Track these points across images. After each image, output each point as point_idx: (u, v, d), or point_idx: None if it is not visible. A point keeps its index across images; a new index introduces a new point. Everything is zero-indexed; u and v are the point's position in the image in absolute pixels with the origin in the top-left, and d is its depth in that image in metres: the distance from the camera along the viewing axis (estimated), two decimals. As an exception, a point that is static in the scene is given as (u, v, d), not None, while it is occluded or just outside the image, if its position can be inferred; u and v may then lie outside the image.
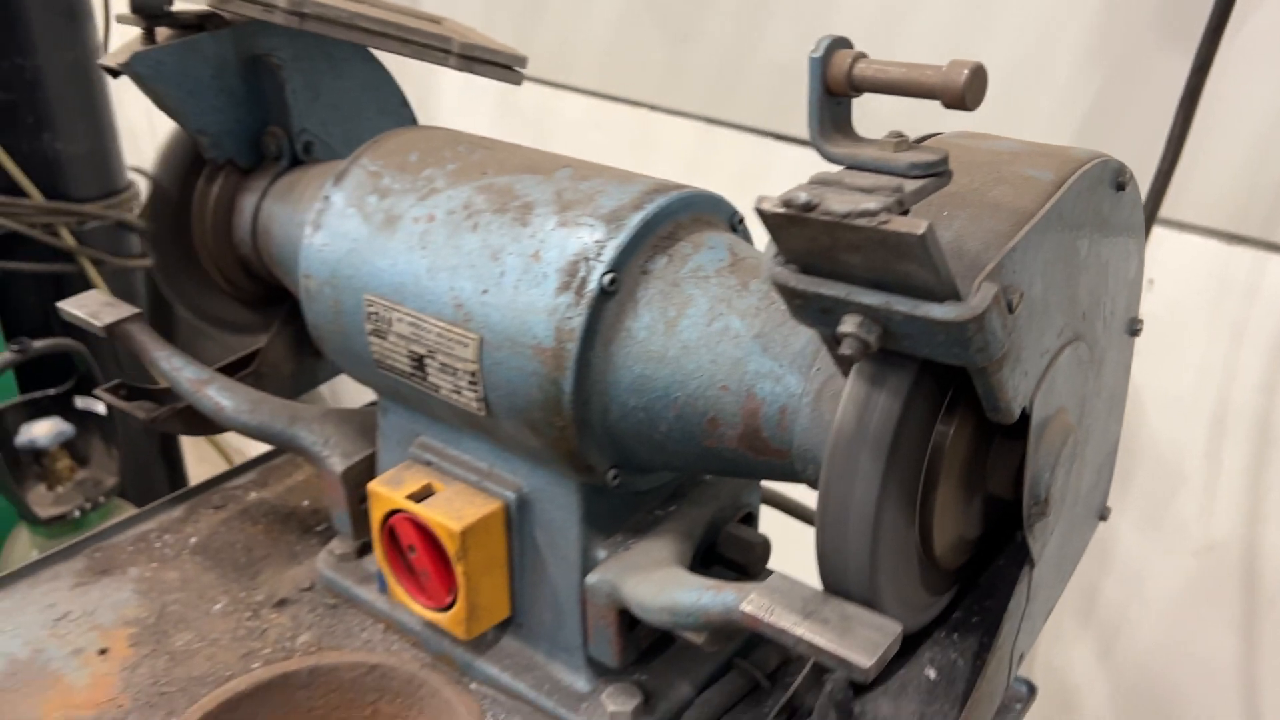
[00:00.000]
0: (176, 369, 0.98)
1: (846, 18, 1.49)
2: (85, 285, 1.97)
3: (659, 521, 0.88)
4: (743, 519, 0.93)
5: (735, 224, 0.83)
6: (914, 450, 0.62)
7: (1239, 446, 1.36)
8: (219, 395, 0.98)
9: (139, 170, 2.12)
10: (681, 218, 0.78)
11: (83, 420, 1.92)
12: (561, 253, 0.76)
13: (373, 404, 1.04)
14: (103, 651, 0.97)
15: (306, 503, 1.17)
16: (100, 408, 1.88)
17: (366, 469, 0.99)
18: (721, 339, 0.73)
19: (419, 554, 0.88)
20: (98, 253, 1.96)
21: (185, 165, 1.02)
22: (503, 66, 0.97)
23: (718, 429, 0.74)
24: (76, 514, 1.87)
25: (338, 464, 0.98)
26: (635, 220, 0.76)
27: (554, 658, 0.90)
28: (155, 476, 2.32)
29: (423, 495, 0.88)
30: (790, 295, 0.56)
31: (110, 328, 0.97)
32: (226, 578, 1.05)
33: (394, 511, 0.88)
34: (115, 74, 0.99)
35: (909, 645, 0.75)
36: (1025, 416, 0.62)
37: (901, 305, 0.52)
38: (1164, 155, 1.24)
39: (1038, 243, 0.56)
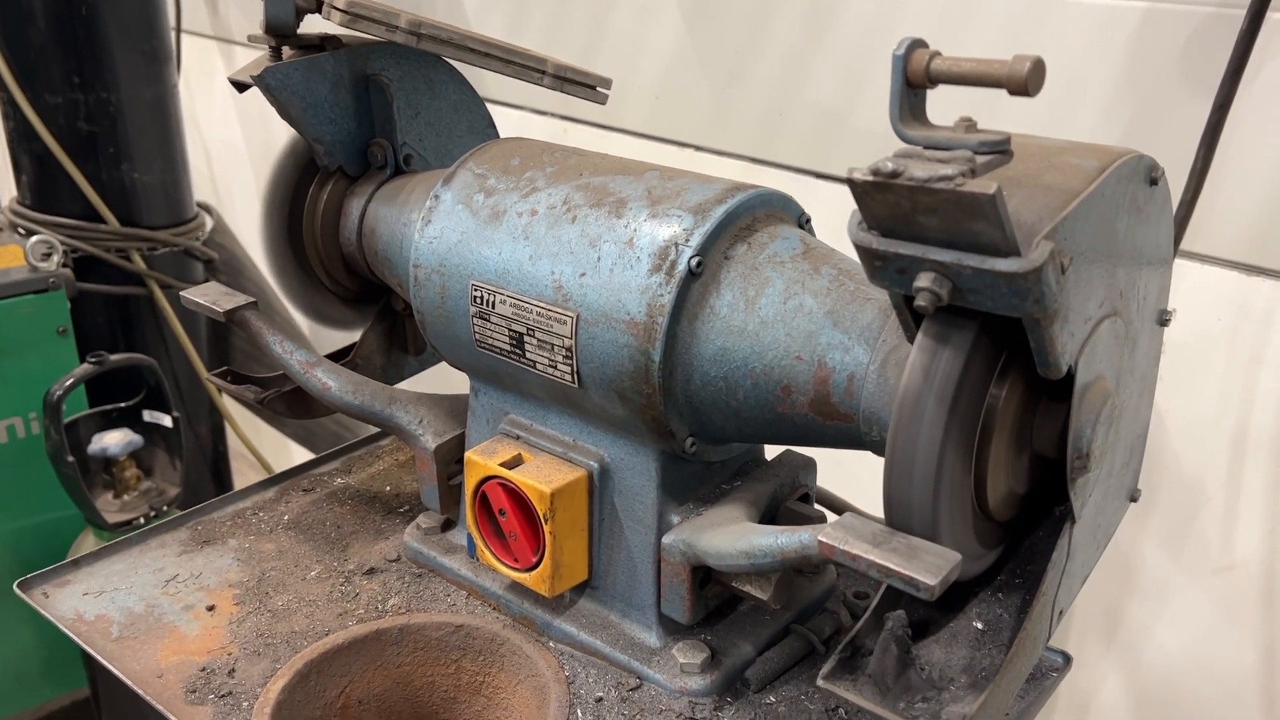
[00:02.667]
0: (288, 352, 1.08)
1: (885, 64, 1.60)
2: (153, 308, 2.09)
3: (726, 494, 0.97)
4: (800, 498, 1.01)
5: (803, 223, 0.93)
6: (973, 404, 0.71)
7: (1259, 468, 1.44)
8: (326, 376, 1.08)
9: (202, 205, 2.25)
10: (758, 212, 0.89)
11: (149, 433, 2.02)
12: (653, 240, 0.86)
13: (461, 395, 1.14)
14: (210, 608, 1.05)
15: (389, 488, 1.26)
16: (166, 420, 1.98)
17: (456, 447, 1.08)
18: (796, 315, 0.82)
19: (509, 517, 0.97)
20: (165, 277, 2.08)
21: (296, 175, 1.13)
22: (589, 86, 1.09)
23: (791, 396, 0.83)
24: (141, 520, 1.96)
25: (431, 441, 1.07)
26: (719, 212, 0.86)
27: (627, 616, 0.98)
28: (205, 494, 2.42)
29: (514, 464, 0.97)
30: (872, 256, 0.66)
31: (230, 313, 1.08)
32: (319, 549, 1.14)
33: (487, 478, 0.97)
34: (243, 88, 1.11)
35: (958, 600, 0.83)
36: (1070, 377, 0.72)
37: (971, 260, 0.62)
38: (1186, 189, 1.34)
39: (1085, 215, 0.66)
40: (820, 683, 0.77)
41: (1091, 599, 1.61)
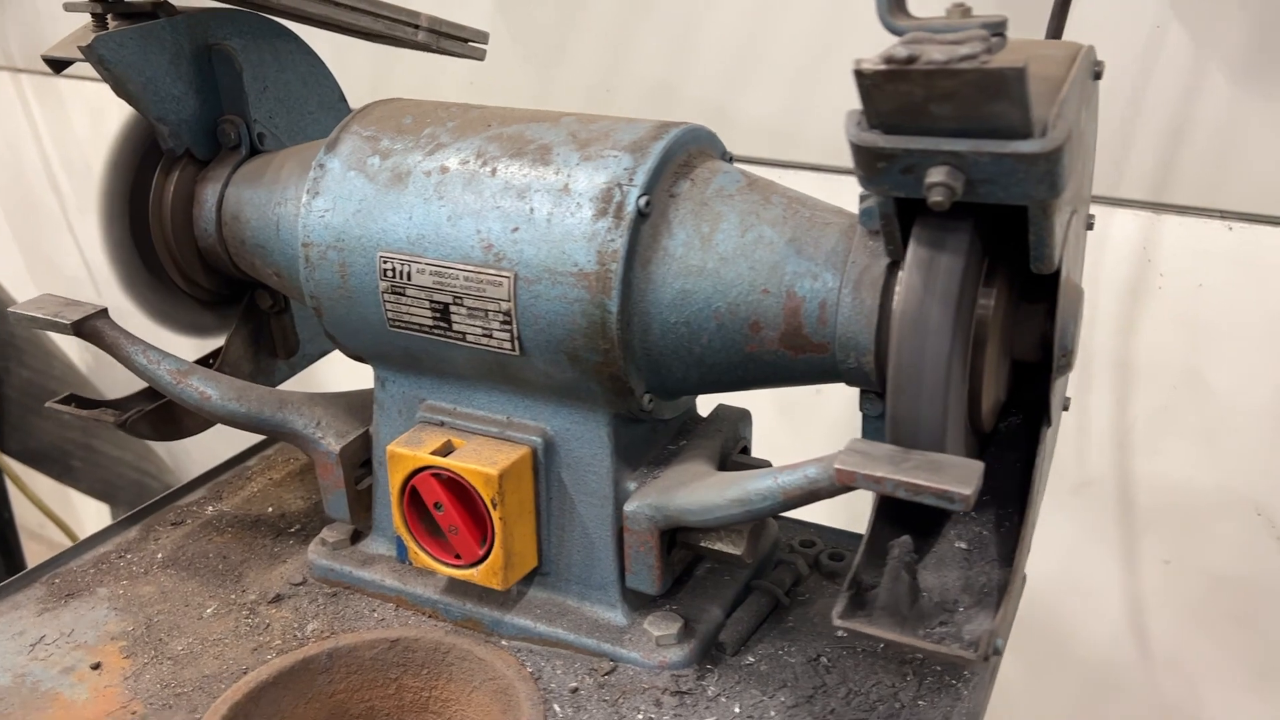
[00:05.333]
0: (155, 362, 0.95)
1: (714, 30, 1.59)
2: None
3: (676, 454, 0.92)
4: (741, 450, 0.98)
5: (729, 159, 0.89)
6: (970, 310, 0.69)
7: (1104, 385, 1.52)
8: (204, 385, 0.95)
9: None
10: (691, 148, 0.84)
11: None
12: (592, 183, 0.80)
13: (358, 391, 1.03)
14: (95, 666, 0.91)
15: (270, 508, 1.13)
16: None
17: (362, 447, 0.98)
18: (757, 247, 0.78)
19: (447, 510, 0.88)
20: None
21: (137, 161, 1.00)
22: (464, 40, 1.01)
23: (760, 332, 0.79)
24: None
25: (334, 443, 0.96)
26: (658, 149, 0.81)
27: (586, 598, 0.92)
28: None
29: (446, 451, 0.88)
30: (875, 157, 0.63)
31: (79, 325, 0.93)
32: (209, 584, 1.01)
33: (417, 471, 0.88)
34: (61, 66, 0.96)
35: (933, 525, 0.82)
36: (1054, 273, 0.71)
37: (990, 146, 0.59)
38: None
39: (1070, 101, 0.65)
40: (838, 622, 0.73)
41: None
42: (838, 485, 0.70)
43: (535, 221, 0.81)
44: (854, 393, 0.82)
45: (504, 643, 0.92)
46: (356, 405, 1.01)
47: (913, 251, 0.68)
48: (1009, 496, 0.82)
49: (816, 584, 0.99)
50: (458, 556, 0.90)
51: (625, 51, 1.69)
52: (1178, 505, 1.56)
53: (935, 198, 0.61)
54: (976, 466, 0.67)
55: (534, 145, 0.84)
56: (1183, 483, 1.55)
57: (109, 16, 0.94)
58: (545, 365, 0.84)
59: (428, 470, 0.88)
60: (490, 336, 0.84)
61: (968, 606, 0.76)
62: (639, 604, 0.91)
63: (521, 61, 1.73)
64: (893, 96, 0.60)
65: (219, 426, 1.01)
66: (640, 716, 0.84)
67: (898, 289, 0.70)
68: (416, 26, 0.97)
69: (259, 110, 1.02)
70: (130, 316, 1.01)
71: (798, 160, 1.57)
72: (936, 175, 0.61)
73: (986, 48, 0.57)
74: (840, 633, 0.93)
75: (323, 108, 1.12)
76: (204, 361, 1.08)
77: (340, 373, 1.19)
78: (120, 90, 0.93)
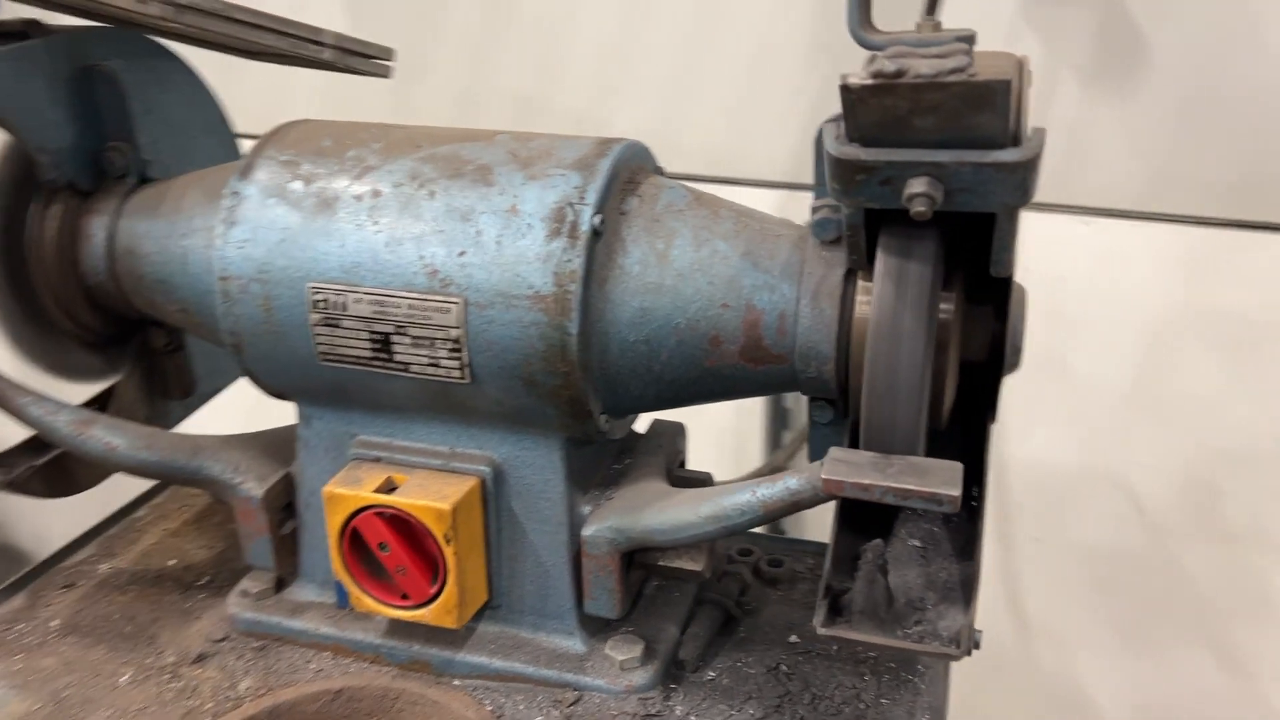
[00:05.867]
0: (51, 413, 0.87)
1: (579, 40, 1.58)
2: None
3: (623, 473, 0.90)
4: (679, 464, 0.97)
5: (662, 174, 0.88)
6: (936, 317, 0.71)
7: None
8: (109, 435, 0.88)
9: None
10: (633, 164, 0.83)
11: None
12: (541, 203, 0.78)
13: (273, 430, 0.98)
14: (4, 754, 0.82)
15: (173, 561, 1.06)
16: None
17: (284, 490, 0.93)
18: (713, 261, 0.78)
19: (393, 550, 0.84)
20: None
21: (12, 194, 0.91)
22: (369, 57, 0.97)
23: (720, 347, 0.78)
24: None
25: (255, 488, 0.90)
26: (605, 166, 0.79)
27: (541, 629, 0.89)
28: None
29: (388, 489, 0.84)
30: (854, 170, 0.63)
31: (-42, 377, 0.84)
32: (119, 650, 0.93)
33: (359, 511, 0.84)
34: None
35: (881, 527, 0.83)
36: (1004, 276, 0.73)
37: (971, 157, 0.61)
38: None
39: (1028, 107, 0.67)
40: (822, 631, 0.74)
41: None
42: (822, 495, 0.70)
43: (483, 244, 0.78)
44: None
45: (456, 682, 0.89)
46: (274, 445, 0.95)
47: (882, 261, 0.69)
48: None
49: (760, 592, 1.00)
50: (404, 597, 0.86)
51: (487, 62, 1.67)
52: (1045, 485, 1.65)
53: (918, 208, 0.62)
54: (957, 467, 0.69)
55: (472, 166, 0.81)
56: (1049, 463, 1.64)
57: (-25, 38, 0.85)
58: (497, 392, 0.81)
59: (370, 510, 0.83)
60: (437, 365, 0.81)
61: (935, 603, 0.78)
62: (596, 629, 0.89)
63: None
64: (877, 110, 0.60)
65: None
66: (615, 745, 0.82)
67: (863, 298, 0.71)
68: (321, 44, 0.92)
69: (145, 136, 0.95)
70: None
71: (677, 171, 1.59)
72: (918, 186, 0.62)
73: (971, 61, 0.58)
74: (792, 638, 0.94)
75: (209, 131, 1.05)
76: (88, 407, 0.99)
77: (232, 411, 1.12)
78: (-3, 119, 0.85)
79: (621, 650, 0.87)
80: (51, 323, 0.95)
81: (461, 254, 0.78)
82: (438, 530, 0.82)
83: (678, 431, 0.97)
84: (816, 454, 0.88)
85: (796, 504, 0.72)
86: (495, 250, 0.78)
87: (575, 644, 0.88)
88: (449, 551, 0.82)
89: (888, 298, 0.69)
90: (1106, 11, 1.43)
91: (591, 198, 0.77)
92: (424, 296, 0.79)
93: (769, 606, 0.98)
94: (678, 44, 1.56)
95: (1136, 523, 1.62)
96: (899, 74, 0.58)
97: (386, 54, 0.99)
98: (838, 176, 0.65)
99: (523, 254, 0.77)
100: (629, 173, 0.82)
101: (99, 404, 0.99)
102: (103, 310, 0.97)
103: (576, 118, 1.66)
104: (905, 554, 0.83)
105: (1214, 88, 1.38)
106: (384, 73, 0.99)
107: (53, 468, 0.92)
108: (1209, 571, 1.64)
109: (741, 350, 0.78)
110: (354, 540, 0.85)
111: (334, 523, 0.85)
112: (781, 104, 1.54)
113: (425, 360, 0.81)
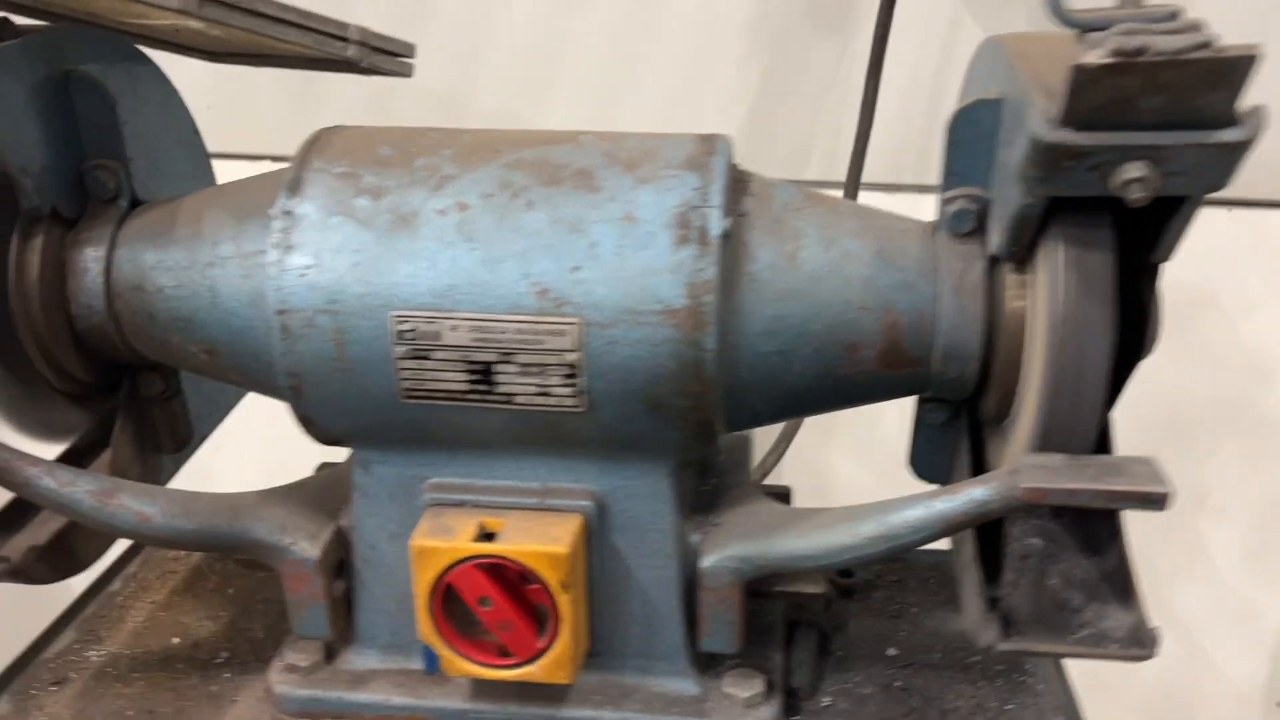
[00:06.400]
0: (67, 483, 0.73)
1: (501, 38, 1.50)
2: None
3: (716, 494, 0.84)
4: (751, 480, 0.92)
5: None
6: (1118, 307, 0.67)
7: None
8: (139, 503, 0.74)
9: None
10: (734, 161, 0.77)
11: None
12: (660, 207, 0.71)
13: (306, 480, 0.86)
14: None
15: (177, 639, 0.92)
16: None
17: (338, 547, 0.82)
18: (845, 262, 0.73)
19: (496, 604, 0.75)
20: None
21: (-15, 225, 0.76)
22: (394, 54, 0.86)
23: (857, 353, 0.73)
24: None
25: (309, 549, 0.79)
26: (719, 163, 0.73)
27: (649, 672, 0.82)
28: None
29: (485, 536, 0.75)
30: (1065, 156, 0.59)
31: (-46, 452, 0.69)
32: (149, 751, 0.80)
33: (453, 565, 0.74)
34: None
35: (991, 530, 0.79)
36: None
37: (1195, 138, 0.58)
38: (860, 122, 1.43)
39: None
40: (1002, 647, 0.70)
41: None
42: (1016, 504, 0.66)
43: (600, 257, 0.70)
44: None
45: (560, 742, 0.80)
46: (316, 497, 0.84)
47: (1064, 252, 0.65)
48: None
49: (839, 605, 0.95)
50: (502, 654, 0.77)
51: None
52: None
53: (1135, 194, 0.59)
54: (1151, 461, 0.66)
55: (569, 170, 0.73)
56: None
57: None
58: (612, 419, 0.73)
59: (469, 562, 0.74)
60: (547, 395, 0.72)
61: (1085, 603, 0.75)
62: (704, 667, 0.83)
63: (271, 85, 1.52)
64: (1108, 90, 0.56)
65: None
66: (758, 790, 0.76)
67: (1015, 292, 0.68)
68: (345, 40, 0.81)
69: (132, 151, 0.82)
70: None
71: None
72: (1135, 171, 0.59)
73: (1209, 36, 0.55)
74: (891, 651, 0.90)
75: (181, 143, 0.92)
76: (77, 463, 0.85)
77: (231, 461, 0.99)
78: (-25, 135, 0.71)
79: (742, 687, 0.81)
80: (33, 375, 0.80)
81: (575, 269, 0.70)
82: (552, 577, 0.73)
83: (748, 443, 0.91)
84: (922, 458, 0.85)
85: (982, 516, 0.68)
86: (615, 263, 0.70)
87: (688, 685, 0.81)
88: (564, 600, 0.74)
89: (1073, 289, 0.65)
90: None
91: (715, 199, 0.71)
92: (534, 319, 0.70)
93: (852, 620, 0.94)
94: (611, 35, 1.50)
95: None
96: (1139, 51, 0.54)
97: (409, 50, 0.88)
98: (1041, 164, 0.60)
99: (648, 265, 0.69)
100: (736, 171, 0.75)
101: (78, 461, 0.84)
102: (91, 356, 0.83)
103: (504, 117, 1.57)
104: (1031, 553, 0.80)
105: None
106: (406, 71, 0.88)
107: (59, 547, 0.78)
108: (1147, 531, 1.71)
109: (880, 355, 0.73)
110: (444, 598, 0.75)
111: (424, 580, 0.75)
112: (725, 94, 1.50)
113: (533, 390, 0.72)
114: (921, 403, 0.82)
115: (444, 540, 0.74)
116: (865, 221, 0.75)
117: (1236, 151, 0.59)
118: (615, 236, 0.70)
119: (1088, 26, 0.59)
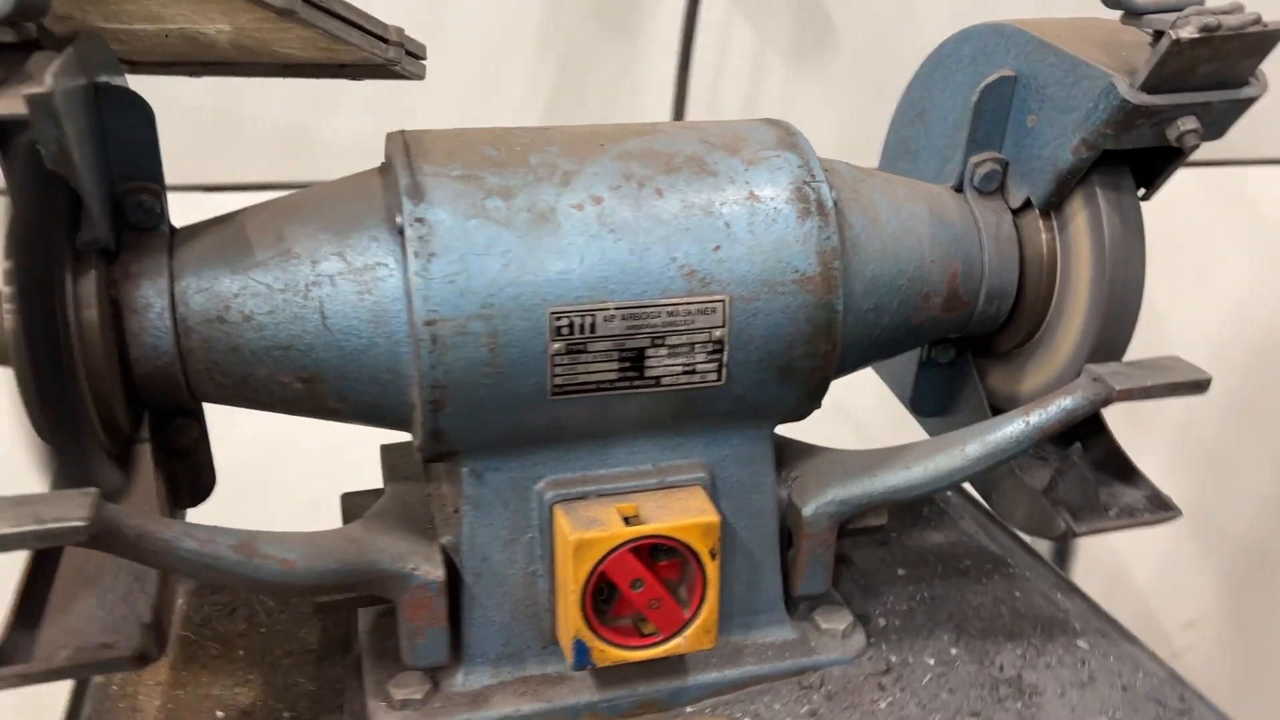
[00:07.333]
0: (207, 542, 0.65)
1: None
2: None
3: (780, 447, 0.89)
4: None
5: None
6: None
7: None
8: (280, 550, 0.68)
9: None
10: (797, 140, 0.84)
11: None
12: (776, 185, 0.76)
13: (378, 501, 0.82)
14: None
15: (221, 714, 0.83)
16: None
17: (450, 563, 0.79)
18: (913, 223, 0.82)
19: (647, 586, 0.77)
20: None
21: (41, 266, 0.65)
22: (418, 58, 0.83)
23: (929, 301, 0.83)
24: None
25: (432, 571, 0.76)
26: (804, 143, 0.80)
27: (752, 627, 0.87)
28: None
29: (634, 520, 0.77)
30: (1138, 115, 0.73)
31: (94, 524, 0.59)
32: (286, 825, 0.73)
33: (609, 553, 0.75)
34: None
35: None
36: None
37: (1228, 95, 0.74)
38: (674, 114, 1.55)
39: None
40: (1082, 532, 0.83)
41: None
42: (1099, 405, 0.79)
43: (736, 236, 0.74)
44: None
45: (690, 709, 0.84)
46: (401, 519, 0.80)
47: (1104, 197, 0.80)
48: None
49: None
50: (644, 634, 0.79)
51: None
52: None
53: (1192, 142, 0.74)
54: (1178, 359, 0.82)
55: (680, 158, 0.76)
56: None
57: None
58: (742, 389, 0.78)
59: (624, 547, 0.75)
60: (693, 372, 0.75)
61: (1095, 487, 0.90)
62: (793, 611, 0.89)
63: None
64: (1187, 60, 0.71)
65: None
66: (885, 704, 0.84)
67: (1040, 236, 0.83)
68: (386, 40, 0.78)
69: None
70: None
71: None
72: (1189, 124, 0.74)
73: (1255, 14, 0.71)
74: (900, 571, 1.01)
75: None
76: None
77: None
78: (64, 160, 0.61)
79: (833, 620, 0.88)
80: (88, 431, 0.70)
81: (716, 249, 0.74)
82: (703, 547, 0.77)
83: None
84: (926, 394, 0.97)
85: (1069, 422, 0.80)
86: (751, 240, 0.74)
87: (787, 631, 0.88)
88: (713, 567, 0.78)
89: (1117, 226, 0.79)
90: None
91: (820, 175, 0.78)
92: (685, 300, 0.73)
93: (851, 554, 1.04)
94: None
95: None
96: (1217, 27, 0.69)
97: (421, 50, 0.85)
98: (1118, 123, 0.74)
99: (780, 239, 0.75)
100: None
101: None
102: (138, 406, 0.73)
103: (280, 132, 1.51)
104: (1025, 462, 0.94)
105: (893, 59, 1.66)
106: (422, 73, 0.85)
107: (159, 620, 0.68)
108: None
109: (944, 302, 0.84)
110: (598, 587, 0.76)
111: (581, 573, 0.75)
112: (516, 97, 1.54)
113: (679, 369, 0.75)
114: (931, 345, 0.93)
115: (599, 531, 0.75)
116: (911, 188, 0.85)
117: (1249, 104, 0.76)
118: (745, 215, 0.75)
119: (1144, 9, 0.73)
